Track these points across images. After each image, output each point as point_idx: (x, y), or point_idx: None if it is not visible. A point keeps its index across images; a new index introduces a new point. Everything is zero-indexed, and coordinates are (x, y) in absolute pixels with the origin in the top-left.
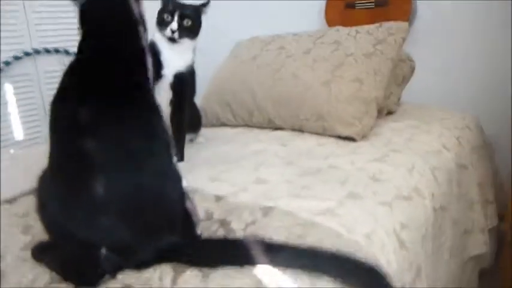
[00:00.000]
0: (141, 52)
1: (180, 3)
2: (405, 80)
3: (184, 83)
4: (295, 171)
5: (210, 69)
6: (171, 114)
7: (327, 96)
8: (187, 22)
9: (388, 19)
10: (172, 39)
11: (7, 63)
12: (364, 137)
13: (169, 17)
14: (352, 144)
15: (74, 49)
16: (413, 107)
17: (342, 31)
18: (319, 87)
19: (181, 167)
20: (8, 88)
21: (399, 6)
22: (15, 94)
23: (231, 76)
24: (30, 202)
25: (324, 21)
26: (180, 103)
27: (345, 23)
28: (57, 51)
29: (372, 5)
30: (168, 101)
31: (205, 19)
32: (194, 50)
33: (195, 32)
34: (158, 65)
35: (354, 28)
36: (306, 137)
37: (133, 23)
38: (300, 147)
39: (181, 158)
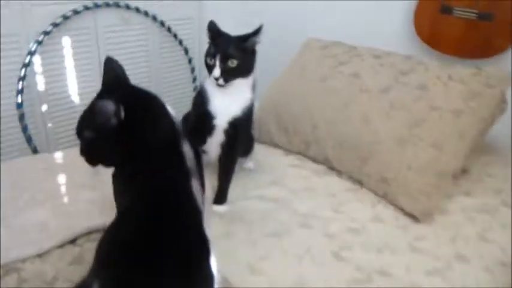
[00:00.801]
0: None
1: (224, 40)
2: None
3: (240, 127)
4: (344, 270)
5: (273, 66)
6: (220, 156)
7: (398, 159)
8: (232, 63)
9: (487, 38)
10: (220, 85)
11: (66, 17)
12: (428, 216)
13: (212, 60)
14: (412, 227)
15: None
16: (497, 160)
17: (432, 71)
18: (392, 145)
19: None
20: (66, 42)
21: (505, 26)
22: (73, 48)
23: (293, 96)
24: None
25: (411, 24)
26: (233, 147)
27: (437, 32)
28: (117, 5)
29: (474, 15)
30: (220, 143)
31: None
32: (254, 86)
33: (246, 71)
34: (208, 117)
35: (447, 71)
36: (363, 199)
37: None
38: (354, 219)
39: (223, 201)
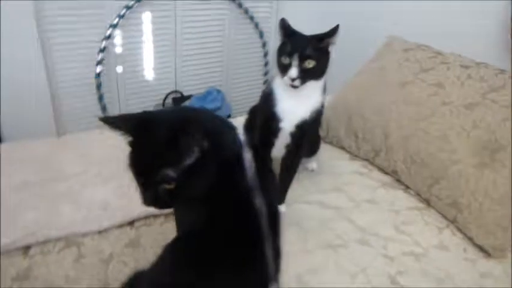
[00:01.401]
0: None
1: (300, 39)
2: None
3: (306, 130)
4: None
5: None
6: (284, 156)
7: (475, 184)
8: (309, 63)
9: None
10: (293, 86)
11: None
12: (501, 251)
13: (288, 59)
14: (481, 262)
15: None
16: None
17: None
18: (469, 167)
19: None
20: (147, 17)
21: None
22: (152, 23)
23: (367, 99)
24: None
25: (508, 32)
26: (297, 149)
27: None
28: None
29: None
30: (284, 144)
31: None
32: (324, 88)
33: (320, 72)
34: (274, 119)
35: None
36: (429, 221)
37: None
38: (417, 243)
39: (281, 202)
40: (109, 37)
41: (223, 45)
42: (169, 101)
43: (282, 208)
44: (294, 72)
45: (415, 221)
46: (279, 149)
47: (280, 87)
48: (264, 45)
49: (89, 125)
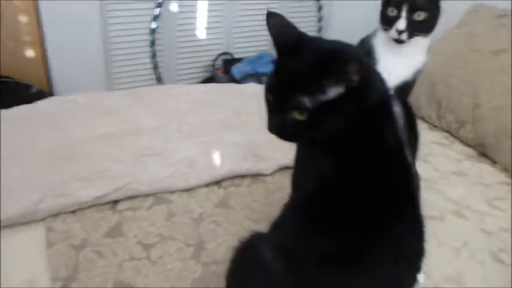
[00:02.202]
0: None
1: None
2: None
3: (407, 92)
4: (504, 274)
5: None
6: None
7: None
8: (418, 15)
9: None
10: (399, 41)
11: None
12: None
13: (396, 11)
14: None
15: None
16: None
17: None
18: None
19: None
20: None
21: None
22: None
23: (454, 66)
24: None
25: None
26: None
27: None
28: None
29: None
30: None
31: None
32: (430, 47)
33: (430, 27)
34: None
35: None
36: None
37: None
38: None
39: None
40: None
41: (278, 7)
42: (219, 62)
43: None
44: (402, 23)
45: (507, 197)
46: None
47: (382, 43)
48: (319, 9)
49: (140, 83)
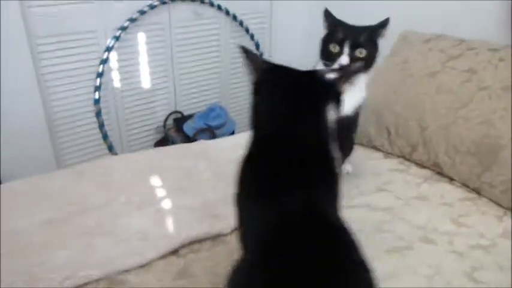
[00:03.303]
0: None
1: (351, 27)
2: None
3: (349, 128)
4: None
5: None
6: None
7: None
8: (360, 52)
9: None
10: None
11: (142, 12)
12: None
13: (338, 48)
14: None
15: None
16: None
17: None
18: None
19: None
20: (141, 37)
21: None
22: (147, 43)
23: (396, 93)
24: None
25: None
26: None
27: None
28: None
29: None
30: None
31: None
32: (367, 85)
33: (369, 64)
34: None
35: None
36: (485, 210)
37: None
38: (482, 235)
39: None
40: (106, 61)
41: (220, 60)
42: (170, 121)
43: None
44: (345, 59)
45: (471, 212)
46: None
47: None
48: (260, 56)
49: (90, 156)
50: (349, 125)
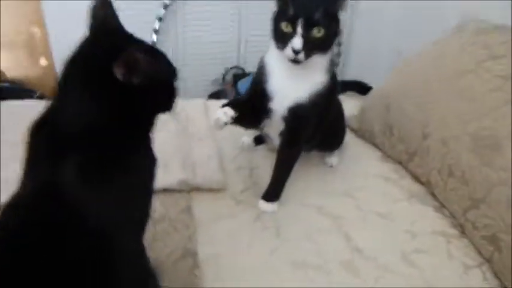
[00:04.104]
0: None
1: (306, 1)
2: None
3: (304, 117)
4: None
5: None
6: (279, 147)
7: None
8: (318, 31)
9: None
10: (295, 61)
11: None
12: None
13: (290, 27)
14: None
15: None
16: None
17: None
18: None
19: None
20: None
21: None
22: None
23: (412, 88)
24: None
25: None
26: (293, 139)
27: None
28: None
29: None
30: (278, 131)
31: None
32: (331, 66)
33: (328, 44)
34: (264, 97)
35: None
36: (458, 254)
37: None
38: (428, 284)
39: (272, 199)
40: (167, 6)
41: None
42: (229, 76)
43: (271, 206)
44: (298, 42)
45: (434, 251)
46: (274, 137)
47: (274, 60)
48: None
49: None
50: (306, 113)
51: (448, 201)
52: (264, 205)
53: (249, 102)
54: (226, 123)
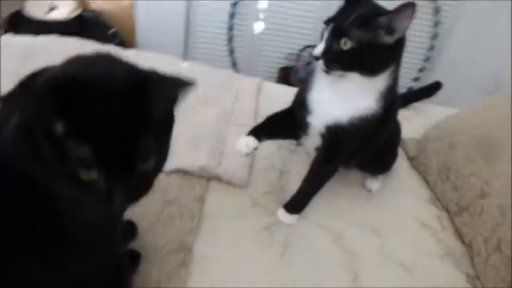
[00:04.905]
0: None
1: (353, 7)
2: None
3: (342, 139)
4: None
5: None
6: (312, 161)
7: (492, 229)
8: (344, 44)
9: None
10: (325, 70)
11: None
12: None
13: (325, 30)
14: None
15: None
16: None
17: None
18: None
19: None
20: None
21: None
22: None
23: (489, 133)
24: None
25: None
26: (327, 158)
27: None
28: None
29: None
30: (314, 146)
31: None
32: (387, 94)
33: (364, 66)
34: (303, 108)
35: None
36: None
37: None
38: None
39: (294, 211)
40: None
41: None
42: (305, 54)
43: (291, 219)
44: (318, 48)
45: None
46: (310, 150)
47: (321, 70)
48: (436, 11)
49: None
50: (345, 136)
51: (486, 276)
52: (283, 214)
53: (290, 111)
54: (248, 154)
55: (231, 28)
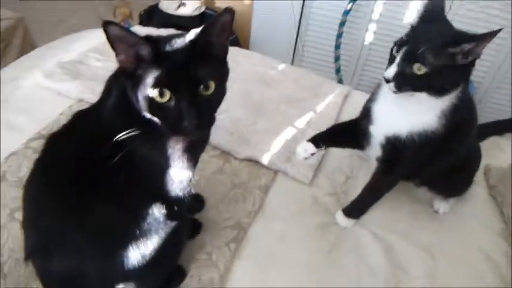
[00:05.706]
0: None
1: (429, 29)
2: None
3: (402, 152)
4: None
5: None
6: (374, 171)
7: None
8: (418, 69)
9: None
10: (393, 90)
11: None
12: None
13: (396, 52)
14: None
15: None
16: None
17: None
18: None
19: None
20: None
21: None
22: None
23: None
24: None
25: None
26: (388, 169)
27: None
28: None
29: None
30: (375, 156)
31: None
32: (450, 112)
33: (434, 88)
34: (366, 118)
35: None
36: None
37: None
38: None
39: (352, 215)
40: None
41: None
42: None
43: (348, 223)
44: (390, 71)
45: None
46: (372, 160)
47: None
48: None
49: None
50: (404, 150)
51: None
52: (341, 217)
53: (356, 122)
54: (306, 159)
55: (339, 35)
